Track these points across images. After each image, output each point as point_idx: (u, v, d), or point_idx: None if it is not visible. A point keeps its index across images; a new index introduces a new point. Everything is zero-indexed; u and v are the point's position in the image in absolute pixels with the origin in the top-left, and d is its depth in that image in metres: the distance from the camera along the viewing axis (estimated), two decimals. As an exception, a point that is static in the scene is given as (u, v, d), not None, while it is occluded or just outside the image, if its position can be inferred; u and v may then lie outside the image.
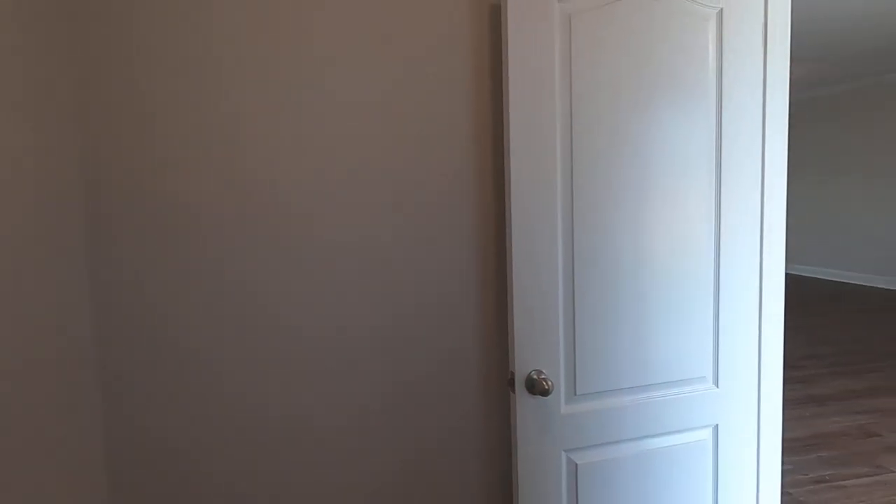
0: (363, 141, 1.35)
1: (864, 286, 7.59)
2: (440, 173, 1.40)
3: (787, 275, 8.80)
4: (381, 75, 1.34)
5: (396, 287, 1.39)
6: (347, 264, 1.35)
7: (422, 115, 1.38)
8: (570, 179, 1.35)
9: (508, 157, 1.31)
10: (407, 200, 1.38)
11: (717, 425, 1.53)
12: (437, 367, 1.44)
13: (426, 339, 1.42)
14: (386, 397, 1.41)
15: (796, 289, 7.57)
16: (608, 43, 1.35)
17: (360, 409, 1.39)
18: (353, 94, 1.33)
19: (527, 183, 1.32)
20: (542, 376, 1.33)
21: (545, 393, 1.31)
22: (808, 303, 6.63)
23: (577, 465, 1.41)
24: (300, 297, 1.33)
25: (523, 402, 1.36)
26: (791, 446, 3.06)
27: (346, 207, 1.34)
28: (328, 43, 1.31)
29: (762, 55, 1.53)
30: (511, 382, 1.36)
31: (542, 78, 1.31)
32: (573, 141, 1.35)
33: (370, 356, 1.39)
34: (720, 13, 1.45)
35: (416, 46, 1.37)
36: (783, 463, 2.88)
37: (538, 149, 1.33)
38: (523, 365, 1.35)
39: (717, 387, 1.53)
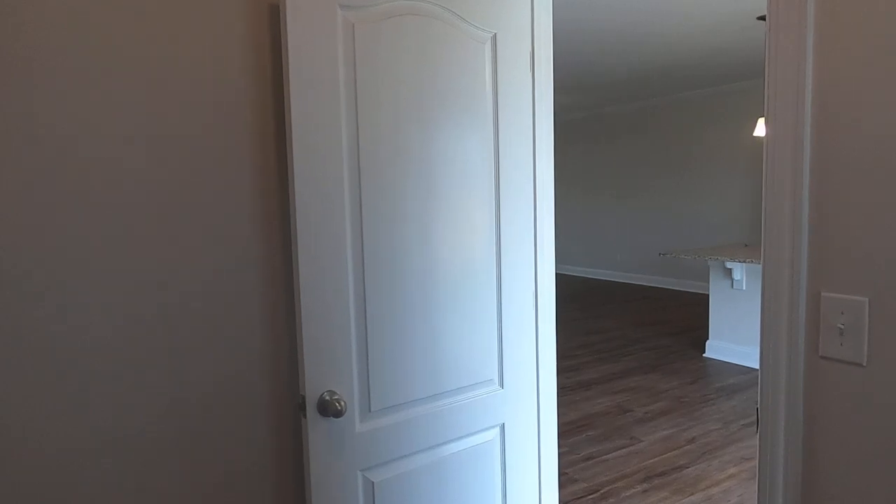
0: (124, 151, 1.16)
1: (617, 282, 8.94)
2: (220, 202, 1.27)
3: (558, 274, 9.98)
4: (144, 82, 1.17)
5: (176, 310, 1.22)
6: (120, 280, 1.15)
7: (193, 126, 1.23)
8: (359, 194, 1.32)
9: (292, 174, 1.24)
10: (181, 221, 1.22)
11: (503, 424, 1.63)
12: (219, 397, 1.29)
13: (210, 368, 1.27)
14: (153, 430, 1.22)
15: (568, 286, 8.62)
16: (392, 55, 1.35)
17: (118, 450, 1.19)
18: (106, 98, 1.13)
19: (312, 198, 1.26)
20: (335, 397, 1.27)
21: (338, 414, 1.25)
22: (578, 297, 7.59)
23: (373, 483, 1.38)
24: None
25: (316, 426, 1.29)
26: (565, 430, 3.43)
27: (106, 221, 1.14)
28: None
29: (531, 80, 1.67)
30: (302, 406, 1.28)
31: (325, 88, 1.26)
32: (360, 155, 1.32)
33: (135, 379, 1.20)
34: (494, 38, 1.54)
35: (187, 50, 1.22)
36: (559, 446, 3.22)
37: (323, 162, 1.27)
38: (314, 387, 1.28)
39: (503, 387, 1.62)
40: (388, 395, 1.40)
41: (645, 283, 8.64)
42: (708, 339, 4.85)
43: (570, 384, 4.23)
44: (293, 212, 1.24)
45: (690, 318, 6.30)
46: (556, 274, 9.77)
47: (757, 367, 4.41)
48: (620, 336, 5.55)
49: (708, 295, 5.23)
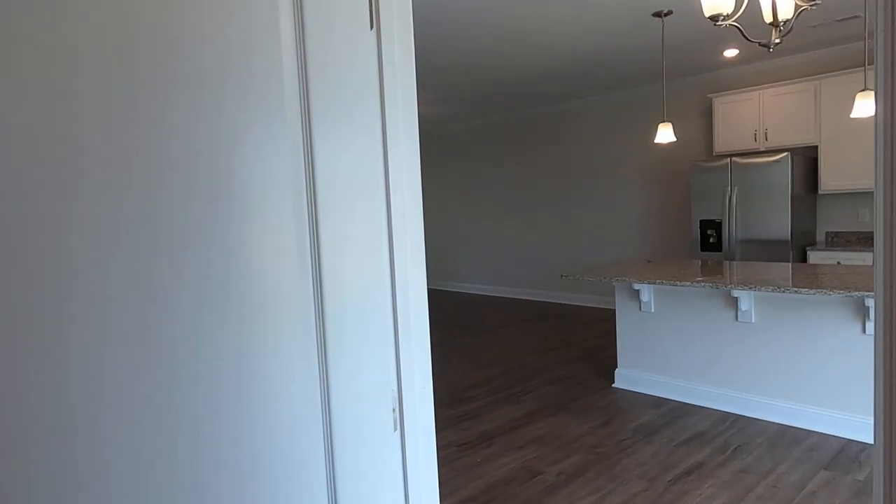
0: None
1: (519, 299, 8.51)
2: None
3: (453, 293, 9.41)
4: None
5: None
6: None
7: None
8: None
9: None
10: None
11: None
12: None
13: None
14: None
15: (465, 306, 8.05)
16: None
17: None
18: None
19: None
20: None
21: None
22: (477, 320, 7.01)
23: None
24: None
25: None
26: (465, 510, 2.74)
27: None
28: None
29: (375, 42, 0.96)
30: None
31: None
32: None
33: None
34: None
35: None
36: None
37: None
38: None
39: None
40: None
41: (547, 300, 8.26)
42: (617, 366, 4.39)
43: (470, 438, 3.55)
44: None
45: (597, 337, 5.91)
46: (451, 293, 9.17)
47: (670, 396, 3.99)
48: (522, 367, 4.99)
49: (614, 309, 4.79)
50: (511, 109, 8.10)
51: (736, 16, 1.93)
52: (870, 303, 3.06)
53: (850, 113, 5.12)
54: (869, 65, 5.05)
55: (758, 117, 5.65)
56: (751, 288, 3.24)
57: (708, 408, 3.80)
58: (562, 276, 4.21)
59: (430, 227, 10.09)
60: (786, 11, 1.95)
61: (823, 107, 5.24)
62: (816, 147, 5.34)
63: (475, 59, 5.16)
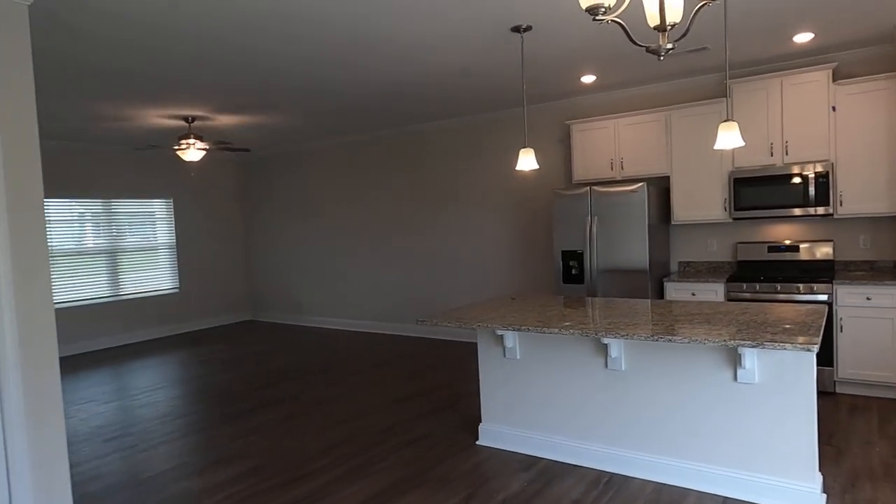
0: None
1: (373, 333, 7.84)
2: None
3: (313, 329, 8.52)
4: None
5: None
6: None
7: None
8: None
9: None
10: None
11: None
12: None
13: None
14: None
15: (312, 345, 7.21)
16: None
17: None
18: None
19: None
20: None
21: None
22: (325, 362, 6.22)
23: None
24: None
25: None
26: None
27: None
28: None
29: None
30: None
31: None
32: None
33: None
34: None
35: None
36: None
37: None
38: None
39: None
40: None
41: (409, 334, 7.68)
42: (481, 421, 3.88)
43: (302, 539, 2.80)
44: None
45: (458, 378, 5.40)
46: (305, 329, 8.27)
47: (540, 454, 3.55)
48: (372, 425, 4.32)
49: (476, 343, 4.29)
50: (365, 130, 7.51)
51: (619, 10, 1.47)
52: (742, 350, 2.83)
53: (698, 144, 5.17)
54: (723, 97, 5.16)
55: (613, 146, 5.58)
56: (622, 336, 2.88)
57: (581, 466, 3.40)
58: (417, 321, 3.63)
59: (280, 258, 9.12)
60: (675, 13, 1.52)
61: (674, 137, 5.26)
62: (668, 177, 5.36)
63: (322, 71, 4.49)
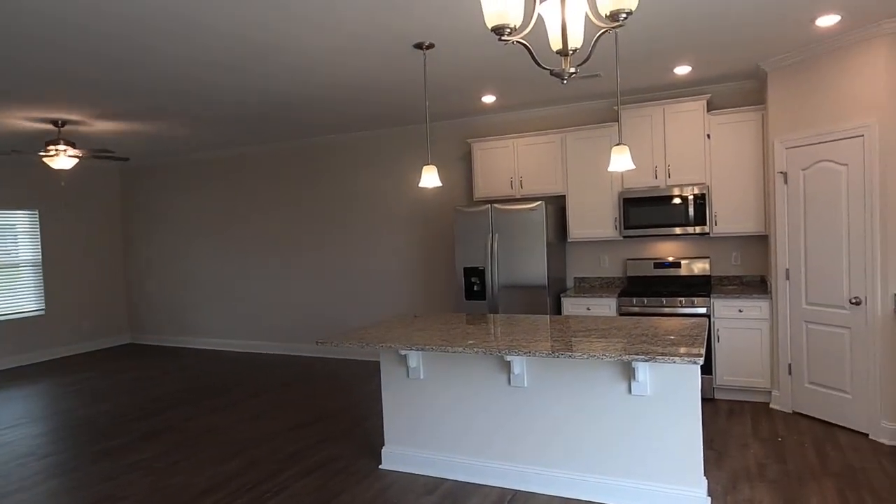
0: None
1: (273, 354, 7.47)
2: None
3: (205, 351, 7.95)
4: None
5: None
6: None
7: None
8: None
9: None
10: None
11: None
12: None
13: None
14: None
15: (209, 369, 6.73)
16: None
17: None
18: None
19: None
20: None
21: None
22: (223, 387, 5.81)
23: None
24: None
25: None
26: None
27: None
28: None
29: None
30: None
31: None
32: None
33: None
34: None
35: None
36: None
37: None
38: None
39: None
40: None
41: (310, 354, 7.38)
42: (384, 444, 3.77)
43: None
44: None
45: (361, 399, 5.24)
46: (196, 351, 7.71)
47: (445, 475, 3.49)
48: (274, 452, 4.06)
49: (379, 362, 4.18)
50: (265, 141, 7.19)
51: (524, 32, 1.47)
52: (636, 364, 2.95)
53: (591, 166, 5.43)
54: (613, 121, 5.46)
55: (513, 165, 5.72)
56: (525, 353, 2.91)
57: (486, 485, 3.38)
58: (317, 342, 3.47)
59: (167, 275, 8.47)
60: (576, 39, 1.55)
61: (569, 158, 5.49)
62: (564, 196, 5.57)
63: (219, 77, 4.22)
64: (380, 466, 3.73)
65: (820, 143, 4.12)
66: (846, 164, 3.96)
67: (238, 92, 4.68)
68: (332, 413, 4.93)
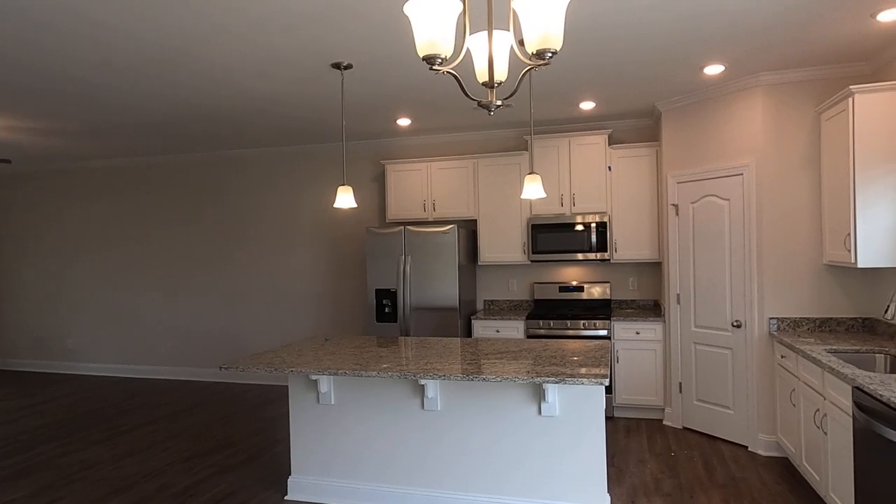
0: None
1: (168, 380, 6.96)
2: None
3: (82, 377, 7.25)
4: None
5: None
6: None
7: None
8: None
9: None
10: None
11: None
12: None
13: None
14: None
15: (95, 397, 6.14)
16: None
17: None
18: None
19: None
20: None
21: None
22: (111, 417, 5.30)
23: None
24: None
25: None
26: None
27: None
28: None
29: None
30: None
31: None
32: None
33: None
34: None
35: None
36: None
37: None
38: None
39: None
40: None
41: (209, 379, 6.94)
42: (290, 473, 3.61)
43: None
44: None
45: (264, 427, 4.99)
46: (70, 377, 7.01)
47: (355, 503, 3.39)
48: (162, 489, 3.76)
49: (286, 387, 4.03)
50: (166, 152, 6.78)
51: (454, 63, 1.51)
52: (546, 386, 3.04)
53: (501, 192, 5.60)
54: (523, 149, 5.66)
55: (427, 188, 5.78)
56: (439, 377, 2.92)
57: (395, 513, 3.32)
58: (221, 367, 3.28)
59: (39, 293, 7.69)
60: (501, 73, 1.61)
61: (481, 184, 5.63)
62: (476, 221, 5.70)
63: (123, 82, 3.94)
64: (285, 497, 3.56)
65: (706, 178, 4.52)
66: (728, 199, 4.37)
67: (140, 97, 4.40)
68: (232, 441, 4.65)
